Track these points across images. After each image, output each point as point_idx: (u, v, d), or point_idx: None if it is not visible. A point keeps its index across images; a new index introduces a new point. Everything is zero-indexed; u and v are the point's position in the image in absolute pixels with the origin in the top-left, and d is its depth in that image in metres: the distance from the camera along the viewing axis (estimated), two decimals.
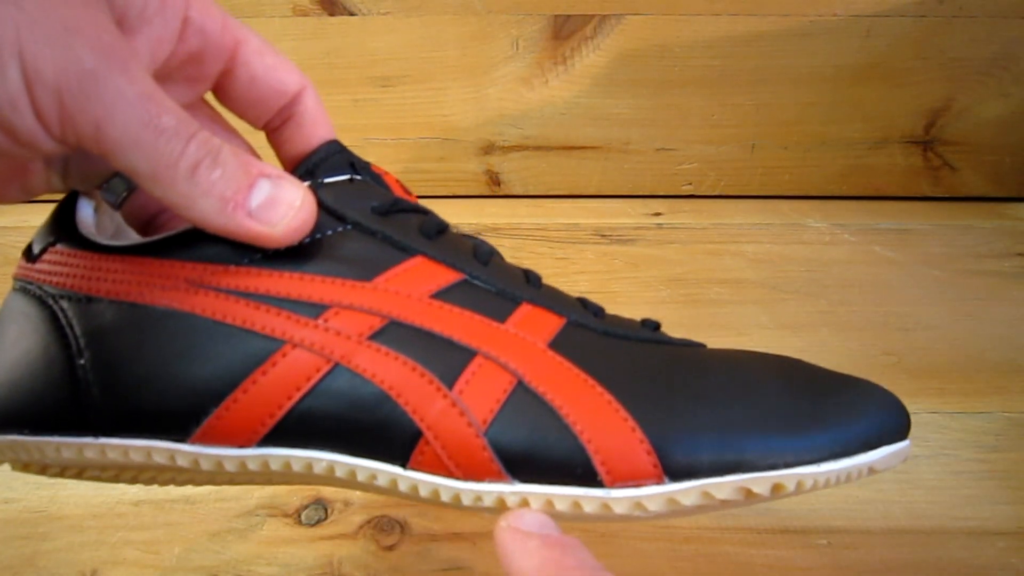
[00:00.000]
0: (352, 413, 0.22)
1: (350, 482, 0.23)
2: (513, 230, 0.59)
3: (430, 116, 0.61)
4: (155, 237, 0.24)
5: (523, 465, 0.21)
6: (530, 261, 0.27)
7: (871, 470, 0.22)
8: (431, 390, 0.22)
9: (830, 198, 0.64)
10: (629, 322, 0.25)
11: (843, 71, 0.59)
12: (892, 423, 0.22)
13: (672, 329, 0.26)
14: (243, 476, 0.24)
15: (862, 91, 0.60)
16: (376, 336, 0.22)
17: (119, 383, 0.23)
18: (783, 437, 0.21)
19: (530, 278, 0.25)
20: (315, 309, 0.22)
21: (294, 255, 0.23)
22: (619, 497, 0.21)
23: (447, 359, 0.22)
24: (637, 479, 0.21)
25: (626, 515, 0.21)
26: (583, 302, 0.26)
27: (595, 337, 0.24)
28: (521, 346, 0.22)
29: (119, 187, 0.25)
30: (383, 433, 0.22)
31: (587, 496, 0.21)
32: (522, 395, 0.22)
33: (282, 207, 0.22)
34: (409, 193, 0.27)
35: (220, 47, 0.25)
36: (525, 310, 0.24)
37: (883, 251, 0.57)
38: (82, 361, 0.23)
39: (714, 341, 0.26)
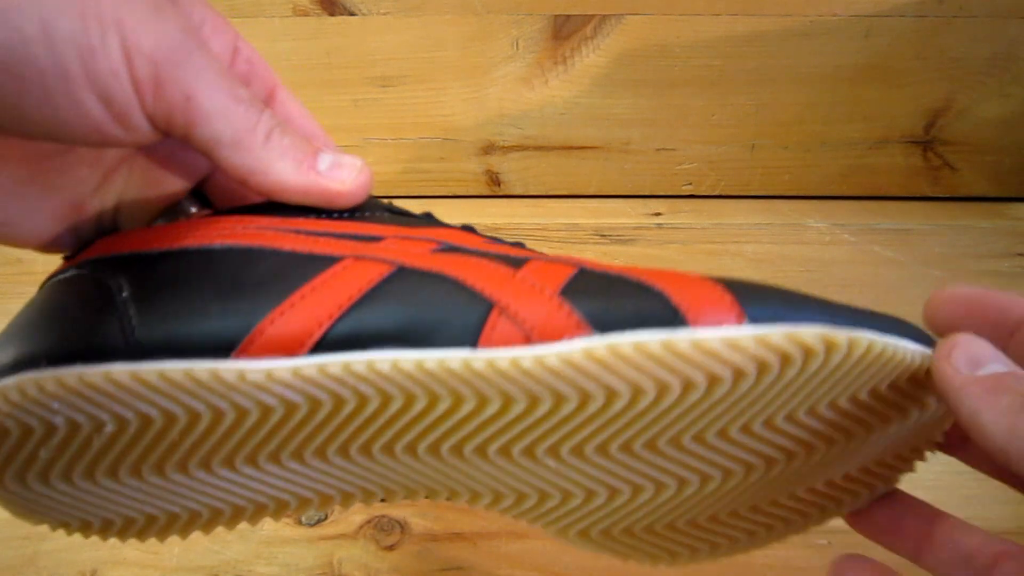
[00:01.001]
0: (416, 304, 0.21)
1: (415, 378, 0.21)
2: (513, 230, 0.59)
3: (430, 116, 0.61)
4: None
5: (604, 318, 0.20)
6: None
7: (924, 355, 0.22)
8: (499, 271, 0.22)
9: (830, 198, 0.64)
10: None
11: (843, 71, 0.59)
12: (921, 334, 0.23)
13: None
14: (296, 389, 0.21)
15: (862, 91, 0.60)
16: (436, 250, 0.23)
17: (159, 306, 0.21)
18: (845, 316, 0.21)
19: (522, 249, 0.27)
20: (375, 239, 0.23)
21: (336, 217, 0.24)
22: (708, 336, 0.20)
23: (507, 259, 0.23)
24: (721, 320, 0.20)
25: (716, 353, 0.20)
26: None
27: (603, 277, 0.24)
28: (565, 258, 0.23)
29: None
30: (449, 317, 0.21)
31: (676, 336, 0.20)
32: (588, 274, 0.22)
33: (348, 168, 0.24)
34: None
35: (264, 81, 0.27)
36: (535, 262, 0.24)
37: (883, 251, 0.57)
38: (124, 294, 0.22)
39: None
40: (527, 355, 0.20)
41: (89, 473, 0.22)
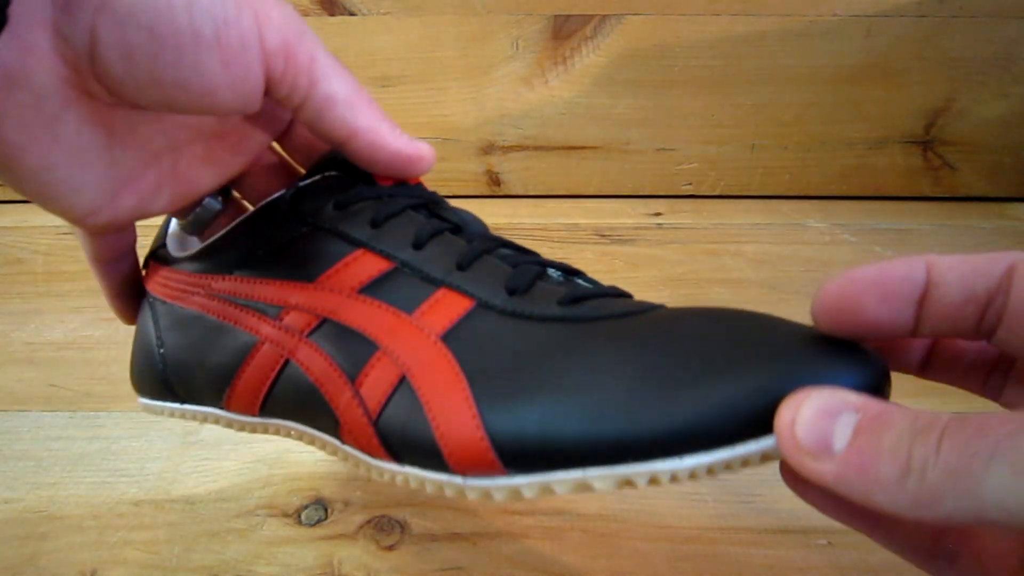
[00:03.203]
0: (301, 397, 0.27)
1: (322, 447, 0.28)
2: (513, 230, 0.59)
3: (430, 116, 0.61)
4: (190, 252, 0.30)
5: (404, 450, 0.24)
6: None
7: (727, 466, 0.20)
8: (341, 383, 0.26)
9: (830, 198, 0.64)
10: (558, 292, 0.25)
11: (843, 71, 0.59)
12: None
13: None
14: (266, 429, 0.30)
15: (862, 91, 0.60)
16: (312, 333, 0.27)
17: (178, 367, 0.30)
18: (614, 428, 0.20)
19: (465, 258, 0.26)
20: (275, 309, 0.28)
21: (265, 263, 0.28)
22: (471, 486, 0.23)
23: (356, 355, 0.26)
24: (484, 471, 0.22)
25: (482, 501, 0.23)
26: (541, 267, 0.26)
27: (497, 321, 0.24)
28: (415, 340, 0.25)
29: (201, 218, 0.31)
30: (322, 412, 0.26)
31: (449, 483, 0.23)
32: (404, 390, 0.24)
33: (423, 143, 0.28)
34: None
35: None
36: (439, 295, 0.25)
37: (883, 251, 0.57)
38: (161, 350, 0.30)
39: None
40: (363, 462, 0.26)
41: None
